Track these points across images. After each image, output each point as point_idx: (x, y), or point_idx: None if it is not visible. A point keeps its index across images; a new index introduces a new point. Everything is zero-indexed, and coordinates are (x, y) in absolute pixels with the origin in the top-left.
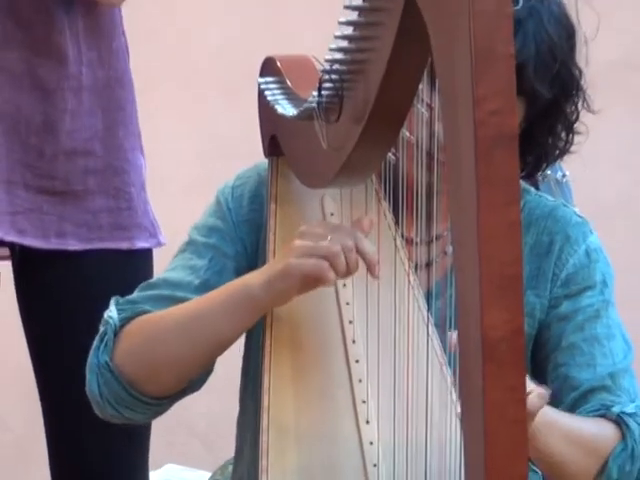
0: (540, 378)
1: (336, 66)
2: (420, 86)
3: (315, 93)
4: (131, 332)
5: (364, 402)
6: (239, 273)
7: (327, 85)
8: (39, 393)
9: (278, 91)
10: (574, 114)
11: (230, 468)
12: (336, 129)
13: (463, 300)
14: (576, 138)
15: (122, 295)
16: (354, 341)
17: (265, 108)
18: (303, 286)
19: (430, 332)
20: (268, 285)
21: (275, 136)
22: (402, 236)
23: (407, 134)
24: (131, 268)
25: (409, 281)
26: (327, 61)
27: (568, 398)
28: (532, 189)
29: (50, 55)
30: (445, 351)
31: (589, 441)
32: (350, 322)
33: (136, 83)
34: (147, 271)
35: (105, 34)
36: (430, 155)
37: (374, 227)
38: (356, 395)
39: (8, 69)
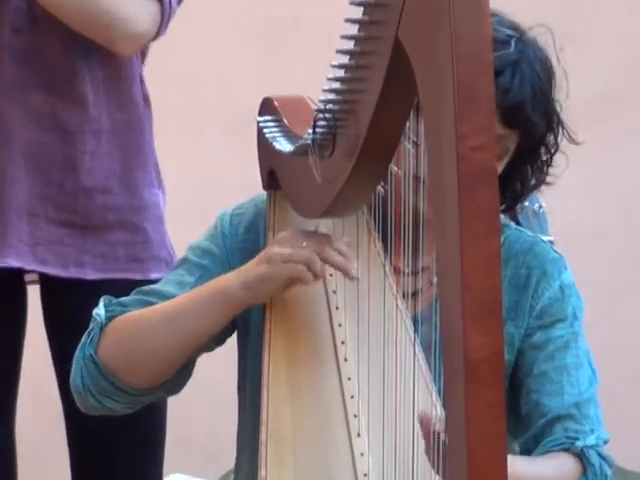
0: (515, 402)
1: (329, 106)
2: (407, 124)
3: (310, 131)
4: (115, 327)
5: (355, 416)
6: None
7: (321, 123)
8: (63, 410)
9: (275, 129)
10: (554, 147)
11: (232, 477)
12: (329, 164)
13: (447, 324)
14: (552, 171)
15: None
16: (346, 359)
17: (264, 145)
18: (281, 288)
19: (416, 352)
20: (247, 287)
21: (273, 170)
22: (390, 264)
23: (395, 169)
24: None
25: (397, 305)
26: (321, 101)
27: (537, 424)
28: (512, 224)
29: (72, 100)
30: (430, 371)
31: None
32: (342, 342)
33: None
34: None
35: (123, 81)
36: (416, 189)
37: (364, 253)
38: (348, 410)
39: (33, 110)
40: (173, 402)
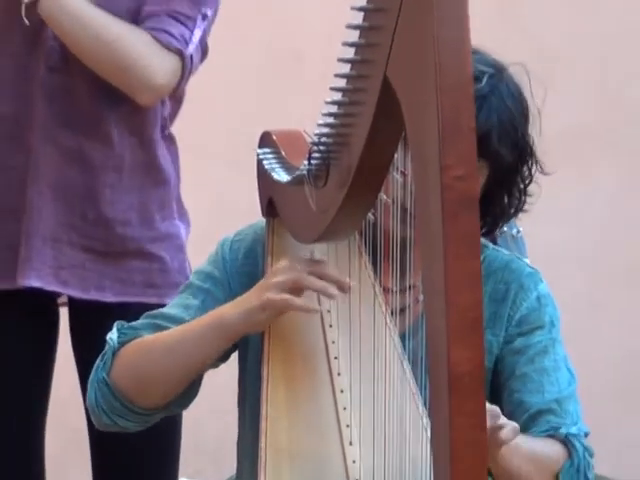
0: (496, 404)
1: (323, 139)
2: (395, 155)
3: (305, 162)
4: (127, 352)
5: (348, 426)
6: None
7: (316, 155)
8: (87, 424)
9: (274, 160)
10: (528, 177)
11: None
12: (323, 193)
13: (432, 340)
14: (529, 199)
15: None
16: (339, 373)
17: (263, 175)
18: (276, 316)
19: (404, 366)
20: (245, 317)
21: (271, 199)
22: (380, 284)
23: (384, 197)
24: None
25: (386, 322)
26: (316, 135)
27: (520, 419)
28: (490, 244)
29: (97, 137)
30: (417, 383)
31: (544, 460)
32: (335, 358)
33: None
34: None
35: (147, 123)
36: (404, 215)
37: (356, 274)
38: (341, 420)
39: (62, 146)
40: None
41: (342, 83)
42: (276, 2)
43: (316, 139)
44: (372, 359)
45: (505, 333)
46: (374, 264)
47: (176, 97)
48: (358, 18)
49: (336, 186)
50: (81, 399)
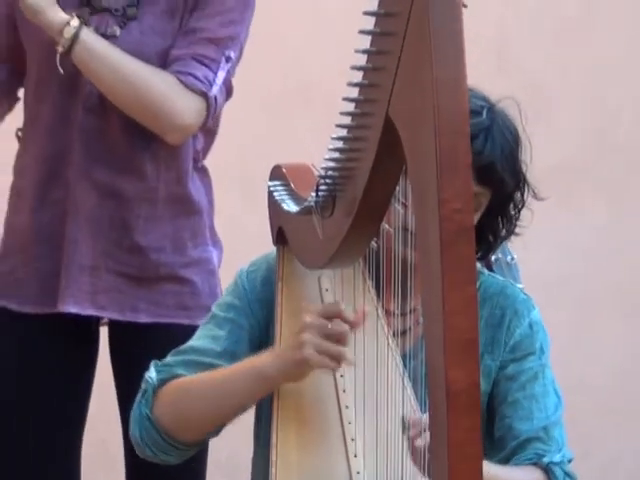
0: (491, 427)
1: (330, 172)
2: (397, 188)
3: (313, 194)
4: (168, 393)
5: (353, 440)
6: (252, 342)
7: (323, 188)
8: (123, 437)
9: (284, 192)
10: (521, 202)
11: None
12: (330, 223)
13: (431, 360)
14: (522, 226)
15: None
16: (344, 390)
17: (273, 206)
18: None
19: (405, 384)
20: (284, 370)
21: (281, 228)
22: (383, 307)
23: (386, 226)
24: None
25: (388, 343)
26: (323, 168)
27: (510, 445)
28: (485, 270)
29: (132, 173)
30: (417, 400)
31: None
32: (341, 376)
33: None
34: None
35: (179, 158)
36: (404, 244)
37: (360, 298)
38: (346, 434)
39: (97, 182)
40: None
41: (347, 120)
42: (290, 40)
43: (323, 172)
44: (376, 377)
45: (501, 358)
46: (377, 288)
47: (209, 131)
48: (362, 60)
49: (342, 216)
50: (108, 412)
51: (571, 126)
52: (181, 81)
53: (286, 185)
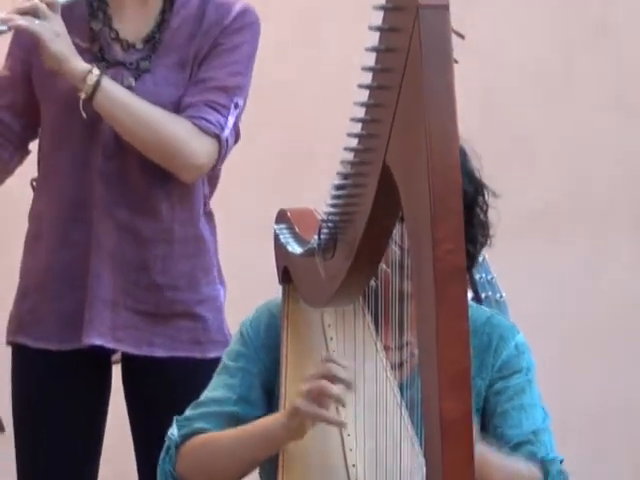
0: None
1: (331, 217)
2: (394, 231)
3: (316, 237)
4: (190, 449)
5: (354, 466)
6: (263, 385)
7: (325, 231)
8: (138, 472)
9: (288, 235)
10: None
11: None
12: (331, 263)
13: (426, 391)
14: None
15: (192, 397)
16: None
17: (279, 247)
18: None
19: (402, 412)
20: (282, 425)
21: (286, 268)
22: (381, 341)
23: (384, 266)
24: (205, 373)
25: (387, 375)
26: (325, 213)
27: (501, 451)
28: (473, 303)
29: (149, 214)
30: (413, 427)
31: (523, 475)
32: (343, 406)
33: None
34: None
35: (193, 200)
36: (401, 278)
37: (360, 333)
38: (348, 461)
39: (117, 222)
40: None
41: (347, 168)
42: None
43: (325, 217)
44: (374, 406)
45: (490, 377)
46: (375, 324)
47: (213, 179)
48: (360, 112)
49: (343, 257)
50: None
51: (556, 173)
52: (195, 125)
53: (291, 228)
